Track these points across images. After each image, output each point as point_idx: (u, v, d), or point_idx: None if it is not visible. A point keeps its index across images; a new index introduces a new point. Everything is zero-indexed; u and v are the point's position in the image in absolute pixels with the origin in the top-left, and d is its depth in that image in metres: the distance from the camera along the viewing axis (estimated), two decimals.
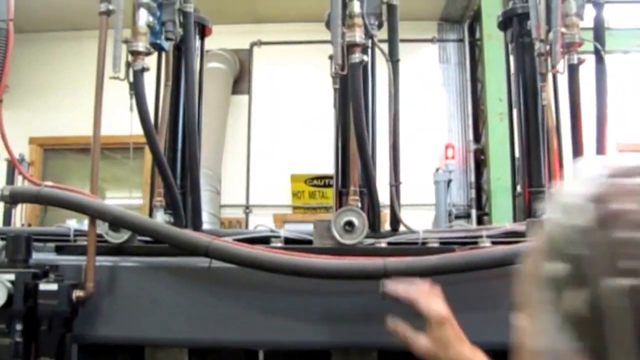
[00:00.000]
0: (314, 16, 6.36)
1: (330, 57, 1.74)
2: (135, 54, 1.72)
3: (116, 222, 1.72)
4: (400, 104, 1.88)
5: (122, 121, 2.56)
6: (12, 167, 5.21)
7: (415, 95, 6.00)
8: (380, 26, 1.87)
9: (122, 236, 1.77)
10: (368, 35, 1.73)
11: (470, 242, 1.78)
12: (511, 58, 2.12)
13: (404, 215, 1.84)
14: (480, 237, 1.79)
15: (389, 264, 1.57)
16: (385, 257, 1.59)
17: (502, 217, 5.32)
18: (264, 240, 1.81)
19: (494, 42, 5.41)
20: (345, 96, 1.81)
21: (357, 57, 1.66)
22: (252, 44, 7.10)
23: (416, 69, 6.28)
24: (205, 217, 2.04)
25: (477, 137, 6.41)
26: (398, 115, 1.86)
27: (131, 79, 1.72)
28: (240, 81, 7.14)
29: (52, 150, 7.28)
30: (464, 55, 6.52)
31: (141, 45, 1.73)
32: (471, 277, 1.62)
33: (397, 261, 1.58)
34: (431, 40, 6.32)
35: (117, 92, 1.81)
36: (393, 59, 1.80)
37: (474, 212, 6.12)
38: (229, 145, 6.69)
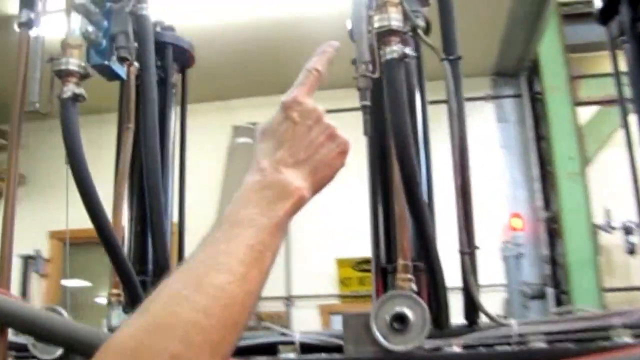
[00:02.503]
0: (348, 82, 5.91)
1: (354, 62, 1.14)
2: (63, 75, 1.16)
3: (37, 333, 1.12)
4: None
5: None
6: (27, 262, 4.93)
7: (471, 160, 5.34)
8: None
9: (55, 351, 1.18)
10: (410, 24, 1.13)
11: (596, 337, 1.12)
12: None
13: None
14: (611, 327, 1.13)
15: None
16: None
17: (584, 296, 4.53)
18: (270, 349, 1.17)
19: (557, 95, 4.75)
20: (380, 115, 1.19)
21: (394, 49, 1.06)
22: None
23: (470, 131, 5.58)
24: None
25: (547, 203, 5.64)
26: (467, 147, 1.23)
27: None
28: None
29: (75, 244, 6.76)
30: (523, 112, 5.87)
31: (72, 62, 1.17)
32: None
33: None
34: (484, 98, 5.71)
35: None
36: (450, 56, 1.19)
37: (550, 291, 5.26)
38: None
